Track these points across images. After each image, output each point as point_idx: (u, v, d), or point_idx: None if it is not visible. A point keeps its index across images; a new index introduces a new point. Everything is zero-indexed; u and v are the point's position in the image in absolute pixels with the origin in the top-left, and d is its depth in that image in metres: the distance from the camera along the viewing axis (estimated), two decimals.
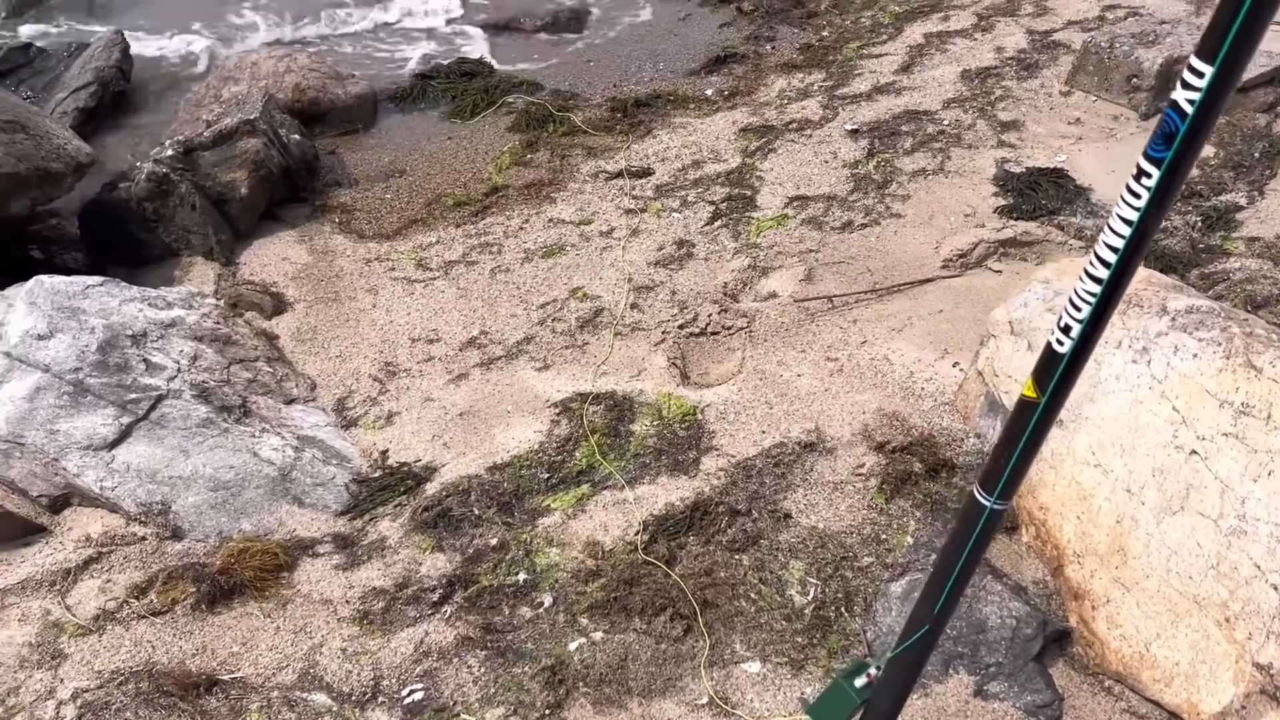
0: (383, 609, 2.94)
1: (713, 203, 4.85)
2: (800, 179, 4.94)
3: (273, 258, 4.73)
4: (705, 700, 2.61)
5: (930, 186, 4.77)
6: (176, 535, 3.20)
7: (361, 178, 5.41)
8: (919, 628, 1.75)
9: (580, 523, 3.16)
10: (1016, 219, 4.46)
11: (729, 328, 4.01)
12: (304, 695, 2.69)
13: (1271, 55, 5.14)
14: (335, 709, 2.65)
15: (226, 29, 7.18)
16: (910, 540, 2.97)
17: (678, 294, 4.25)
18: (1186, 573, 2.45)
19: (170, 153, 4.74)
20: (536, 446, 3.50)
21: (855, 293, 4.10)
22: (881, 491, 3.12)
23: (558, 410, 3.66)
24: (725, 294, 4.22)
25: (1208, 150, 4.76)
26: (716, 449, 3.39)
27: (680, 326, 4.05)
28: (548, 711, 2.60)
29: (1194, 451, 2.52)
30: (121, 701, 2.64)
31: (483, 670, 2.73)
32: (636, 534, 3.08)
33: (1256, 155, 4.71)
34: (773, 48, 6.61)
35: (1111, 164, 4.81)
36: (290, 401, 3.75)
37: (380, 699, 2.68)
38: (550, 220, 4.88)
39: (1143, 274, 3.01)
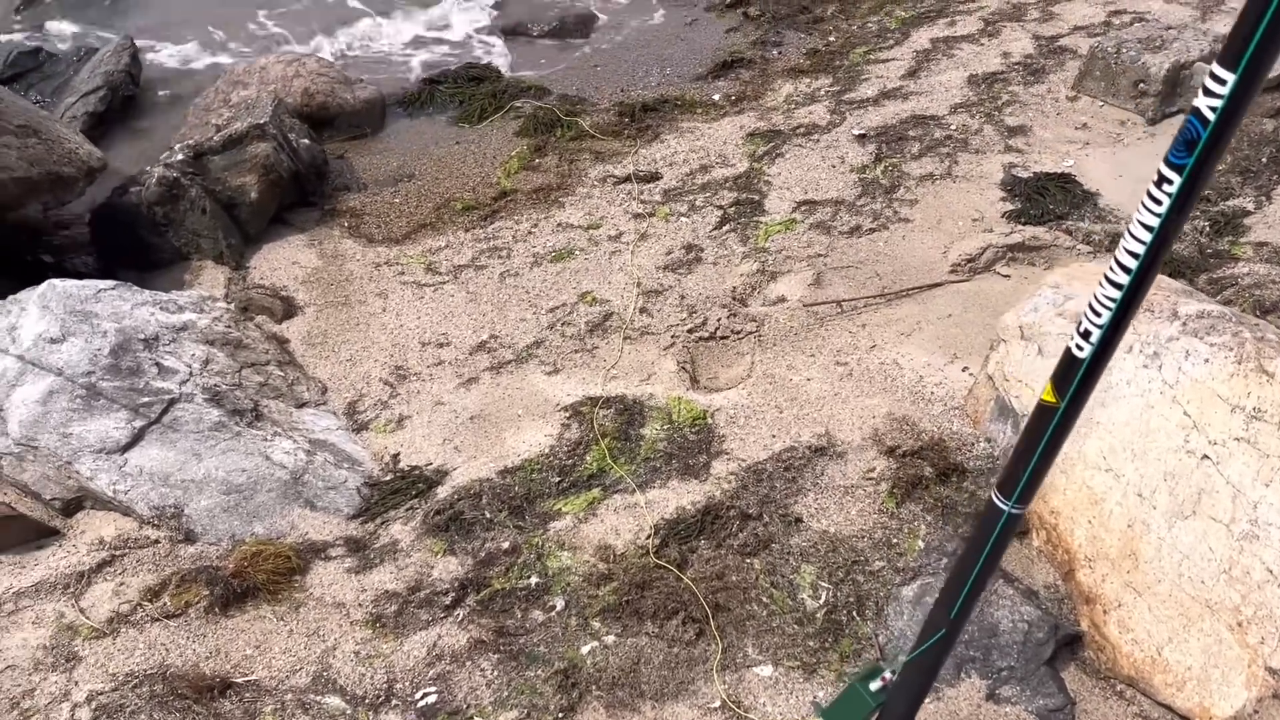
0: (395, 612, 2.95)
1: (721, 207, 4.86)
2: (808, 184, 4.95)
3: (283, 262, 4.75)
4: (718, 704, 2.61)
5: (938, 191, 4.78)
6: (189, 538, 3.21)
7: (370, 182, 5.43)
8: (935, 631, 1.76)
9: (591, 526, 3.17)
10: (1024, 224, 4.47)
11: (738, 332, 4.02)
12: (318, 698, 2.70)
13: None
14: (349, 712, 2.66)
15: (247, 37, 7.20)
16: (921, 544, 2.97)
17: (686, 298, 4.26)
18: (1198, 577, 2.46)
19: (180, 157, 4.75)
20: (547, 450, 3.51)
21: (864, 297, 4.11)
22: (892, 496, 3.13)
23: (568, 414, 3.67)
24: (734, 298, 4.23)
25: None
26: (727, 453, 3.40)
27: (689, 331, 4.06)
28: (561, 715, 2.61)
29: (1205, 456, 2.52)
30: (136, 704, 2.65)
31: (496, 673, 2.74)
32: (648, 538, 3.09)
33: (1264, 160, 4.72)
34: (779, 53, 6.62)
35: (1119, 169, 4.82)
36: (301, 405, 3.76)
37: (394, 702, 2.69)
38: (559, 225, 4.89)
39: None
